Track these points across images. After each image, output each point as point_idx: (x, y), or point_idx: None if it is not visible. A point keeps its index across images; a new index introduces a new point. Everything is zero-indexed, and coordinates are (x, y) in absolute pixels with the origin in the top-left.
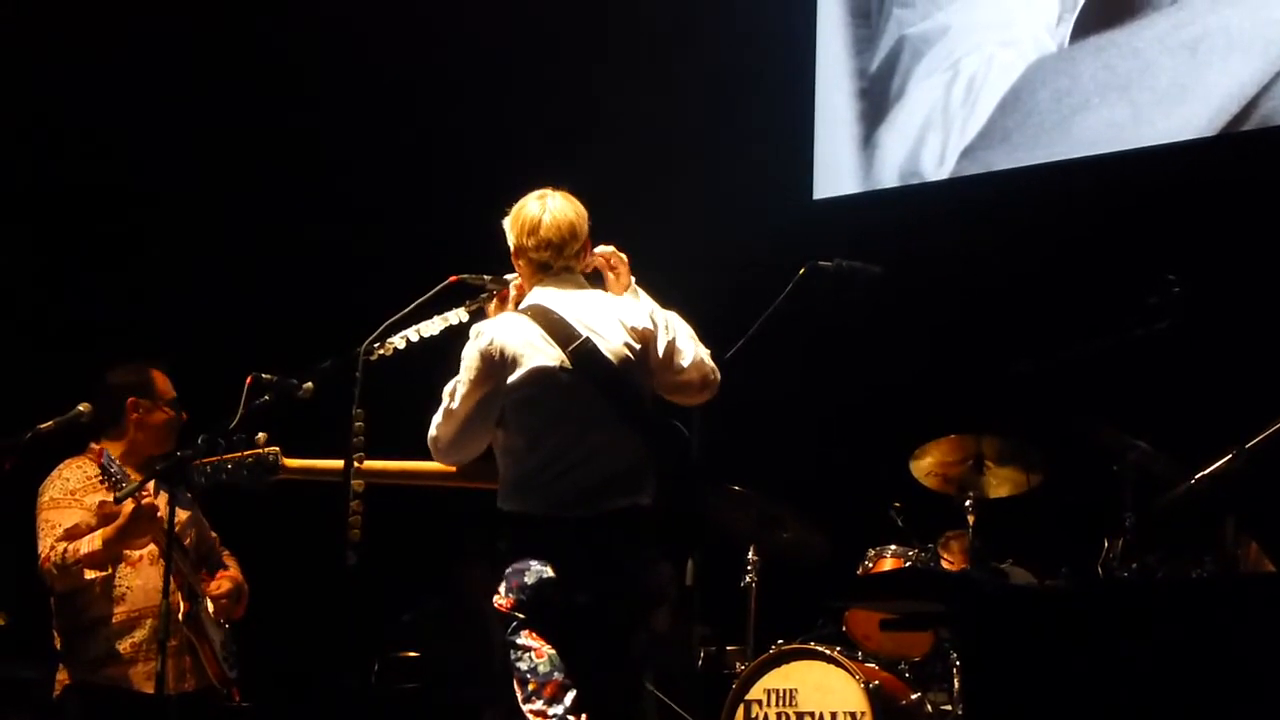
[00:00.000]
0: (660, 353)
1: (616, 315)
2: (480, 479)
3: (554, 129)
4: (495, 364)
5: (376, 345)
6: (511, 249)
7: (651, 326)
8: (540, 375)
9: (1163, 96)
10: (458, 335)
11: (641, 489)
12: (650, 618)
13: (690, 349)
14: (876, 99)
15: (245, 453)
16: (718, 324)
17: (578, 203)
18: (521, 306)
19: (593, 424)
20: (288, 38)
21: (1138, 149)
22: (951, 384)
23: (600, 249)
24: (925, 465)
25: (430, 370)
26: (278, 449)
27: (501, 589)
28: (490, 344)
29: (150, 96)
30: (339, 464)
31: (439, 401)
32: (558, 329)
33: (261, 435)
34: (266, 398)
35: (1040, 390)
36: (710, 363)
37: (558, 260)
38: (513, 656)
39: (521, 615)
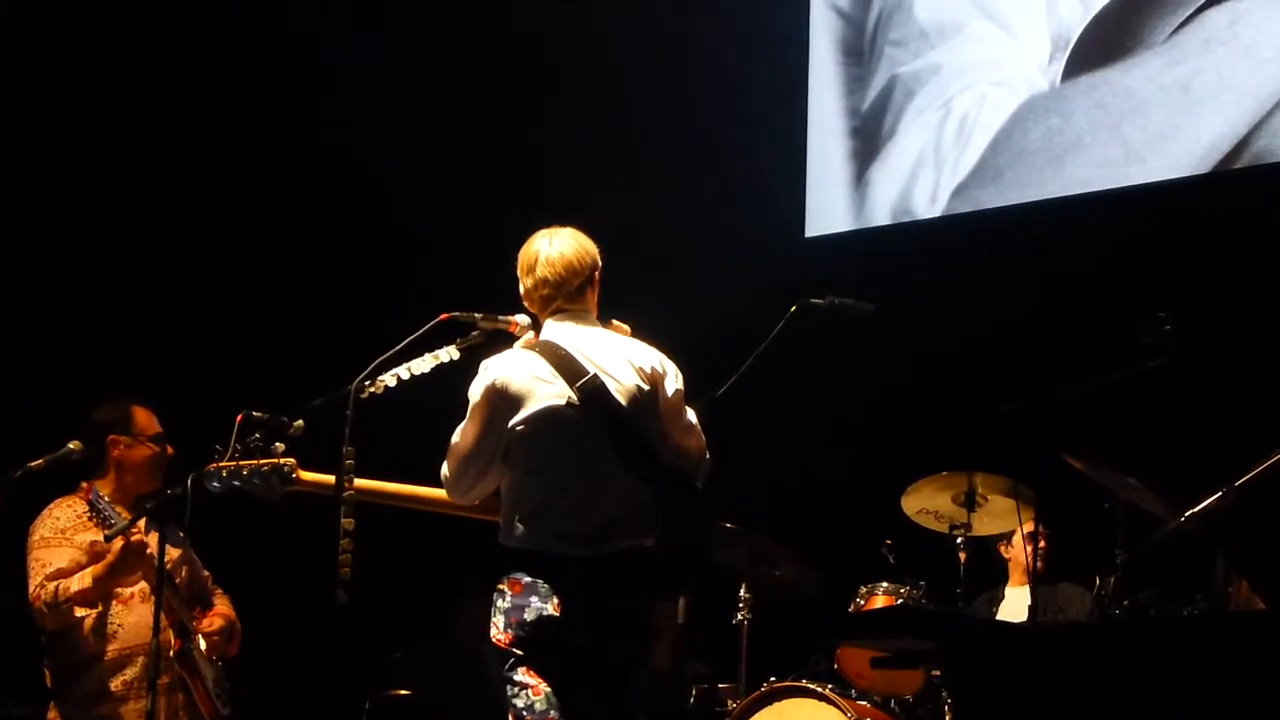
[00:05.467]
0: (670, 394)
1: (625, 355)
2: (484, 510)
3: (547, 171)
4: (499, 400)
5: (367, 383)
6: (520, 289)
7: (661, 370)
8: (546, 411)
9: (1155, 135)
10: (449, 373)
11: (645, 531)
12: (650, 656)
13: (693, 415)
14: (868, 137)
15: (262, 461)
16: (710, 361)
17: (584, 239)
18: (527, 342)
19: (598, 462)
20: (278, 88)
21: (1129, 187)
22: (943, 421)
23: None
24: (916, 502)
25: (423, 408)
26: (294, 460)
27: (499, 623)
28: (495, 380)
29: (149, 123)
30: (357, 484)
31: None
32: (565, 365)
33: (279, 445)
34: (257, 435)
35: (1032, 428)
36: (704, 444)
37: (560, 298)
38: (509, 692)
39: (520, 651)
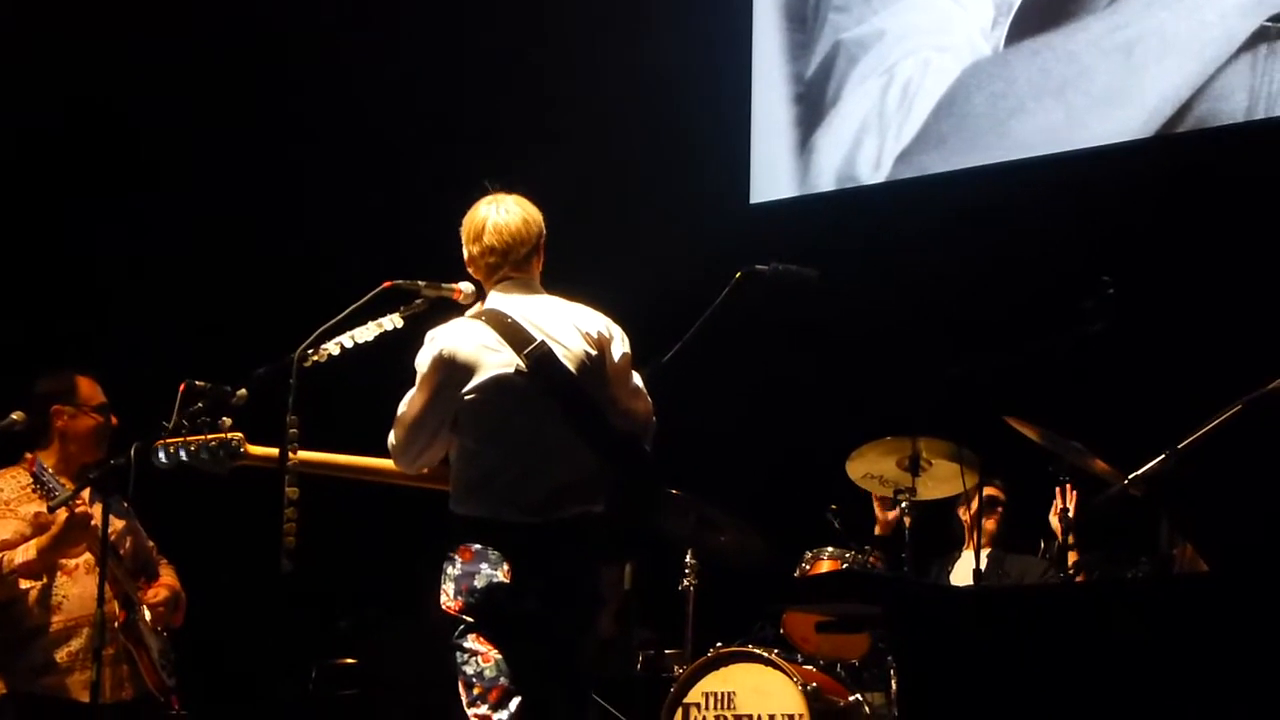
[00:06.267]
0: (616, 359)
1: (572, 320)
2: (432, 480)
3: (490, 135)
4: (447, 369)
5: (310, 351)
6: (464, 256)
7: (608, 334)
8: (494, 380)
9: (1098, 99)
10: (393, 341)
11: (594, 497)
12: (597, 624)
13: (641, 383)
14: (813, 103)
15: (210, 435)
16: (655, 328)
17: (530, 207)
18: (474, 311)
19: (546, 430)
20: (220, 45)
21: (1073, 151)
22: (888, 386)
23: None
24: (861, 467)
25: (368, 377)
26: (241, 435)
27: (449, 591)
28: (443, 350)
29: (87, 94)
30: (302, 455)
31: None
32: (512, 333)
33: (226, 420)
34: (200, 405)
35: (976, 392)
36: (651, 406)
37: (505, 265)
38: (459, 659)
39: (470, 618)
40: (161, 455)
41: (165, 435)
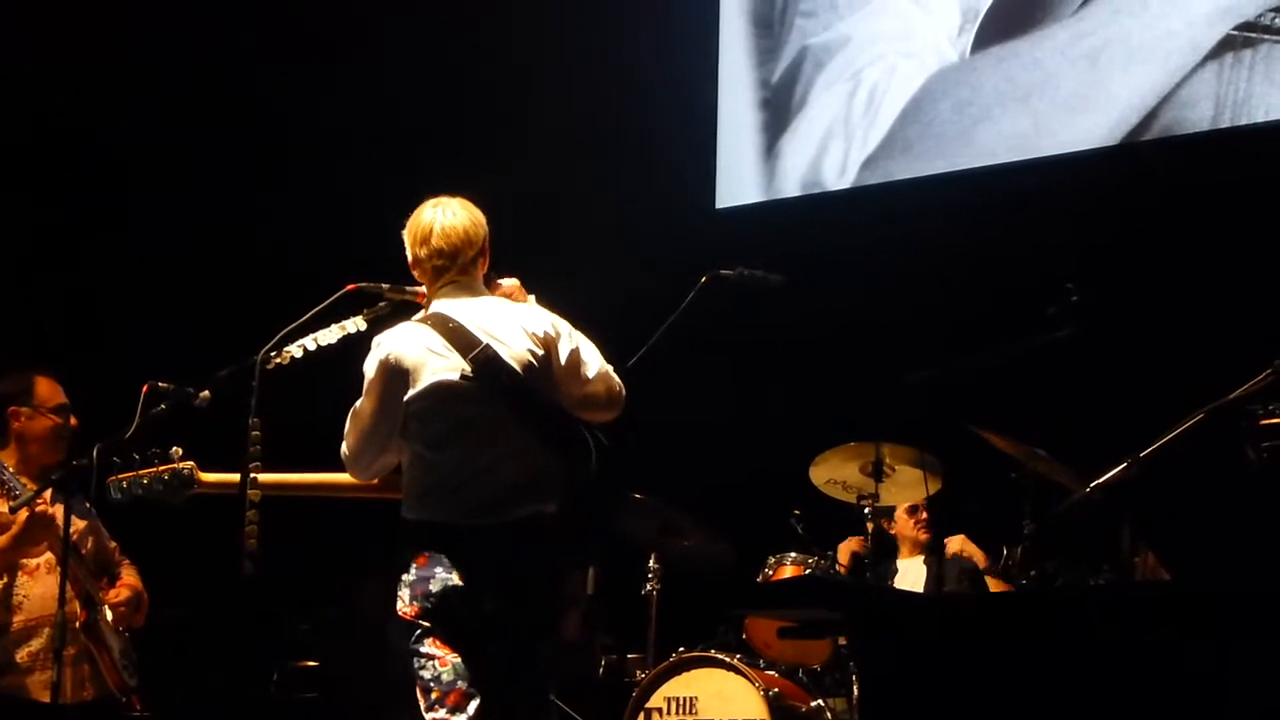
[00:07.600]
0: (564, 359)
1: (518, 321)
2: (387, 489)
3: (456, 139)
4: (394, 375)
5: (273, 354)
6: (409, 259)
7: (554, 333)
8: (440, 385)
9: (1063, 107)
10: (356, 344)
11: (546, 497)
12: (557, 625)
13: (595, 361)
14: (779, 109)
15: (161, 467)
16: (620, 332)
17: (475, 210)
18: (420, 316)
19: (495, 432)
20: (187, 47)
21: (1038, 158)
22: (851, 392)
23: (504, 282)
24: (824, 472)
25: (331, 381)
26: (193, 463)
27: (405, 596)
28: (388, 355)
29: (56, 95)
30: (260, 478)
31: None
32: (457, 336)
33: (176, 449)
34: (162, 407)
35: (940, 398)
36: (616, 378)
37: (452, 268)
38: (416, 665)
39: (426, 623)
40: (114, 492)
41: (116, 471)
